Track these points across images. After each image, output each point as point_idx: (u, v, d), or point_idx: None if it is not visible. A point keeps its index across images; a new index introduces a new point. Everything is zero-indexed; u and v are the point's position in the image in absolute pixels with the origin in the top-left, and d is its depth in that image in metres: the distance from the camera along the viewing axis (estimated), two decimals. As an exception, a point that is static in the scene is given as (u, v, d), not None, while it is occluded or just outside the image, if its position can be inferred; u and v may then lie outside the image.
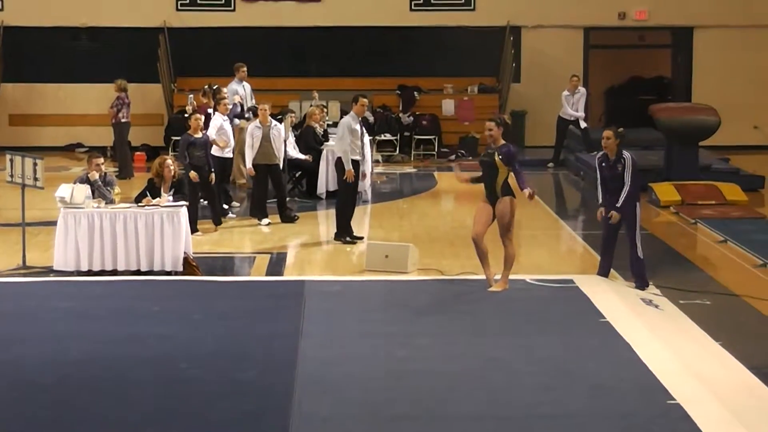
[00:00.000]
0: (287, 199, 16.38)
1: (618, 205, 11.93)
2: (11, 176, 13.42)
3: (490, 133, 11.82)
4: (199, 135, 15.17)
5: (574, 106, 21.99)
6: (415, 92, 24.12)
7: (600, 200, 12.28)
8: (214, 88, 17.96)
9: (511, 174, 11.73)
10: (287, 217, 15.86)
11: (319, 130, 18.38)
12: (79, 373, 9.15)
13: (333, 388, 8.74)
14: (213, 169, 15.16)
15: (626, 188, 11.92)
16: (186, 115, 18.46)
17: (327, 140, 18.46)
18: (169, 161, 13.56)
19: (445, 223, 16.38)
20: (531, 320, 10.74)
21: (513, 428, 7.98)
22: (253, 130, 15.83)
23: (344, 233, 14.61)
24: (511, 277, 12.17)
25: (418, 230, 15.60)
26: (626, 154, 12.03)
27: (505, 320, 10.76)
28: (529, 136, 24.10)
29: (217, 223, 15.30)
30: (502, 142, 11.80)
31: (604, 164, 12.15)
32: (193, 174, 15.03)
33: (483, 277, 12.23)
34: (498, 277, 11.88)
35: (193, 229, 14.31)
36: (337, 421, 8.08)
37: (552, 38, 24.57)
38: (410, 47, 24.47)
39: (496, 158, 11.70)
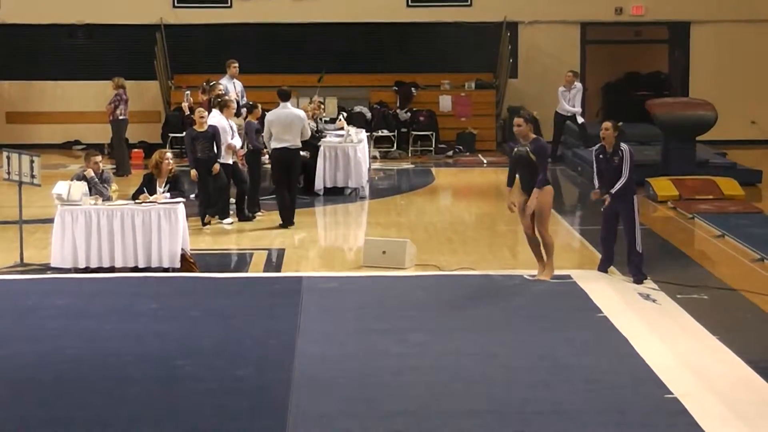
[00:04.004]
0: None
1: (612, 191, 11.94)
2: (8, 174, 13.42)
3: (519, 129, 11.81)
4: (203, 129, 15.16)
5: (570, 101, 21.97)
6: (413, 88, 24.09)
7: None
8: (211, 84, 17.95)
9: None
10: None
11: (313, 125, 18.35)
12: (76, 371, 9.13)
13: (330, 384, 8.73)
14: (218, 161, 15.20)
15: (623, 179, 11.92)
16: (187, 113, 18.40)
17: (323, 135, 18.47)
18: (169, 155, 13.56)
19: (442, 219, 16.36)
20: (528, 315, 10.73)
21: (509, 423, 7.96)
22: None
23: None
24: (509, 272, 12.20)
25: (415, 226, 15.59)
26: (624, 146, 12.05)
27: (502, 316, 10.75)
28: (526, 132, 24.08)
29: (204, 221, 15.23)
30: (533, 136, 11.80)
31: (601, 156, 12.15)
32: (193, 173, 15.08)
33: (481, 272, 12.24)
34: (535, 272, 11.92)
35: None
36: (334, 417, 8.06)
37: (549, 34, 24.55)
38: (407, 43, 24.45)
39: (530, 154, 11.70)
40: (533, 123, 11.94)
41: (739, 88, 24.18)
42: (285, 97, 15.53)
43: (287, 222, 15.24)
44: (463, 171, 21.51)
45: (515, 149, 11.95)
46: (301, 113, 15.61)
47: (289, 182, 15.43)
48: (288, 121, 15.20)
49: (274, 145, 15.27)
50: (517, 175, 12.02)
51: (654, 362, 9.17)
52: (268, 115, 15.51)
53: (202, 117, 15.29)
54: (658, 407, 8.21)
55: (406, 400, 8.38)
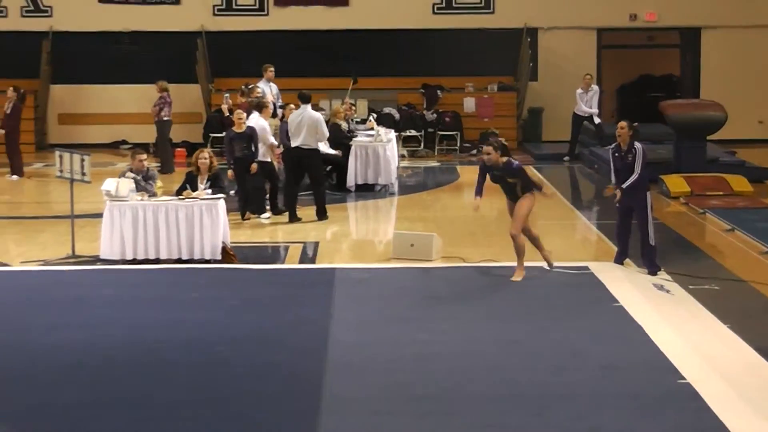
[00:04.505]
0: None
1: (624, 186, 11.89)
2: (60, 171, 13.49)
3: (489, 157, 11.79)
4: (241, 130, 15.17)
5: (587, 102, 21.91)
6: (438, 91, 24.05)
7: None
8: (250, 87, 17.96)
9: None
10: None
11: (345, 126, 18.34)
12: (122, 356, 9.15)
13: (360, 370, 8.72)
14: (255, 160, 15.13)
15: (634, 175, 11.87)
16: (227, 115, 18.43)
17: (354, 135, 18.48)
18: (206, 153, 13.54)
19: (466, 214, 16.30)
20: (547, 305, 10.69)
21: (528, 408, 7.92)
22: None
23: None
24: (530, 264, 12.11)
25: (441, 220, 15.56)
26: (638, 145, 12.00)
27: (522, 305, 10.71)
28: (546, 132, 24.06)
29: (244, 216, 15.26)
30: (504, 160, 11.75)
31: (616, 154, 12.11)
32: (229, 173, 15.08)
33: (503, 264, 12.21)
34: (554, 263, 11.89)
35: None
36: (364, 400, 8.05)
37: (566, 39, 24.45)
38: (433, 48, 24.39)
39: (507, 177, 11.71)
40: (502, 150, 11.85)
41: (747, 90, 24.00)
42: (305, 100, 15.53)
43: (292, 215, 15.21)
44: (486, 169, 21.42)
45: (493, 173, 11.85)
46: (317, 116, 15.46)
47: (313, 180, 15.42)
48: (303, 122, 15.18)
49: (291, 143, 15.32)
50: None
51: (667, 349, 9.11)
52: (289, 116, 15.61)
53: (240, 118, 15.30)
54: (671, 392, 8.16)
55: (431, 385, 8.36)
